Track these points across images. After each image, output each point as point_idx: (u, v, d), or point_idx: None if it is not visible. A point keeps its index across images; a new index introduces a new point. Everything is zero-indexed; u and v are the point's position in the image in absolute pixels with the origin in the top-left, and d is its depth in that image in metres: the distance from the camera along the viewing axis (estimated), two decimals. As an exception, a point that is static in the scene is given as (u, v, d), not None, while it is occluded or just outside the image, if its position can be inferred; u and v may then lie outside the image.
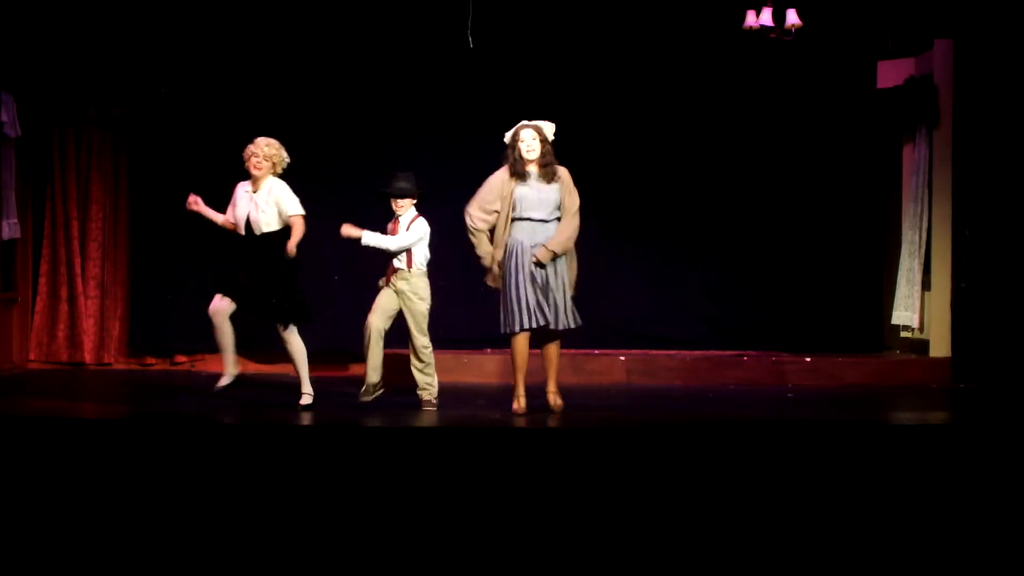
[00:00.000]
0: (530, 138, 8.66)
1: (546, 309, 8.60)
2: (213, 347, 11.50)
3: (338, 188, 10.90)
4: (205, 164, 11.38)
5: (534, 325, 8.59)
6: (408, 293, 8.82)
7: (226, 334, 8.81)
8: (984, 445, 7.51)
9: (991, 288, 10.82)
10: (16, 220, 11.05)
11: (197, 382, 10.63)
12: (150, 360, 11.64)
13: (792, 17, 9.98)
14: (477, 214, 8.68)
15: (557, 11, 11.43)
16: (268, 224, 8.75)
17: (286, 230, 8.74)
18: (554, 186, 8.67)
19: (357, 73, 11.53)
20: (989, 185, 10.84)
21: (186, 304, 11.47)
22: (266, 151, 8.81)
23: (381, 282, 8.87)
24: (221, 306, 8.76)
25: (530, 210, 8.63)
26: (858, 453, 7.43)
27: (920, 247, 11.25)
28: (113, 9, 11.23)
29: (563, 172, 8.76)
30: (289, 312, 8.78)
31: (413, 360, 8.91)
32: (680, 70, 11.74)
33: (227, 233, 9.00)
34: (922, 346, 11.31)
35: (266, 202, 8.76)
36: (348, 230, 8.81)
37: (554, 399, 8.79)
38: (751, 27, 10.04)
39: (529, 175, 8.67)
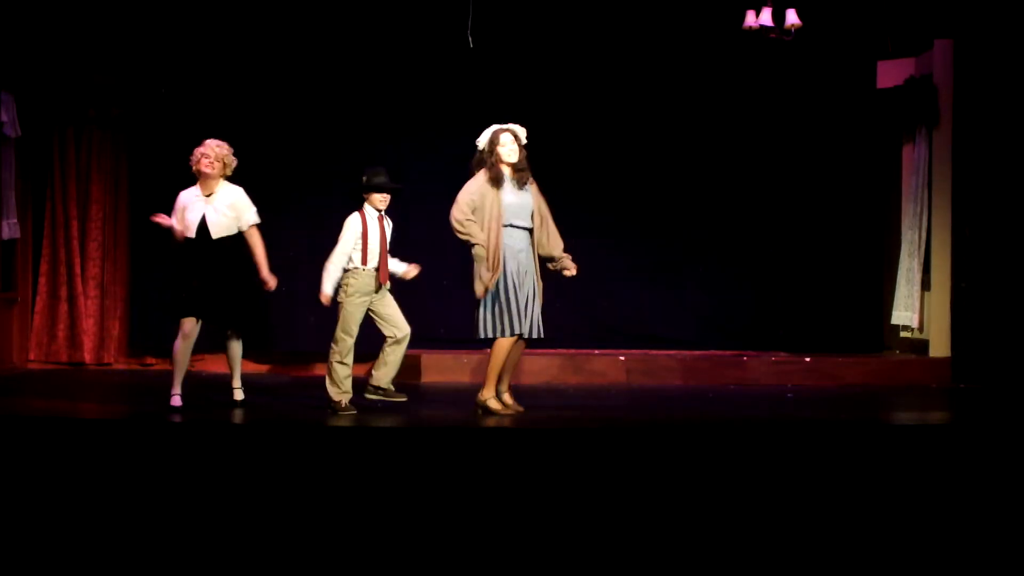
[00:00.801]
0: (510, 142, 8.58)
1: (528, 319, 8.54)
2: (212, 347, 11.52)
3: (337, 187, 10.88)
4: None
5: (524, 332, 8.52)
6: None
7: (188, 354, 8.78)
8: (984, 445, 7.51)
9: (991, 288, 10.82)
10: (16, 220, 11.05)
11: (196, 382, 10.63)
12: (150, 360, 11.65)
13: (792, 17, 9.99)
14: (461, 215, 8.50)
15: (558, 10, 11.43)
16: (226, 229, 8.72)
17: (240, 236, 8.74)
18: (527, 192, 8.62)
19: (357, 74, 11.53)
20: (989, 185, 10.85)
21: (186, 304, 11.49)
22: (217, 151, 8.77)
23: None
24: (196, 329, 8.72)
25: (514, 217, 8.55)
26: (858, 453, 7.43)
27: (920, 247, 11.25)
28: (113, 9, 11.23)
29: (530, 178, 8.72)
30: (246, 318, 8.80)
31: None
32: (680, 70, 11.75)
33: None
34: (922, 346, 11.31)
35: (225, 207, 8.72)
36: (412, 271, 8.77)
37: (510, 399, 8.75)
38: (751, 27, 10.04)
39: (504, 180, 8.58)
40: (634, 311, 11.81)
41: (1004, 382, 10.54)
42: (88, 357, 11.46)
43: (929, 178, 11.22)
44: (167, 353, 11.54)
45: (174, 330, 11.35)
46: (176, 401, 8.69)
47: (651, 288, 11.85)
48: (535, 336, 8.59)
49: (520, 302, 8.48)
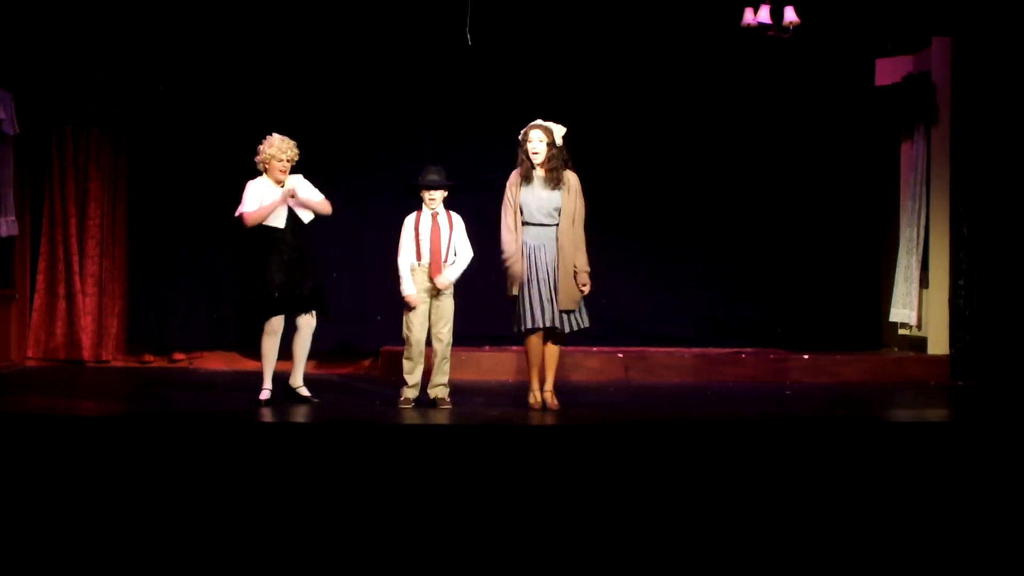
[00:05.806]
0: (537, 140, 8.63)
1: (554, 311, 8.58)
2: (211, 345, 11.62)
3: (336, 186, 10.87)
4: (204, 162, 11.39)
5: (546, 324, 8.59)
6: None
7: (277, 348, 8.84)
8: (983, 443, 7.51)
9: (989, 285, 10.82)
10: (14, 218, 11.04)
11: (195, 379, 10.64)
12: (148, 357, 11.65)
13: (790, 14, 9.97)
14: (507, 221, 8.65)
15: (557, 10, 11.42)
16: (308, 216, 8.89)
17: (312, 223, 8.92)
18: (557, 191, 8.63)
19: (357, 71, 11.53)
20: (987, 183, 10.84)
21: (184, 302, 11.49)
22: (288, 153, 8.84)
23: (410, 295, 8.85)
24: (282, 323, 8.81)
25: (530, 215, 8.62)
26: (857, 451, 7.43)
27: (918, 244, 11.26)
28: (112, 7, 11.23)
29: (571, 178, 8.70)
30: (323, 303, 8.94)
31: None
32: (679, 68, 11.74)
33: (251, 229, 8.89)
34: (920, 343, 11.32)
35: (302, 195, 8.88)
36: (442, 281, 8.76)
37: (551, 398, 8.77)
38: (749, 25, 10.02)
39: (535, 177, 8.64)
40: (633, 308, 11.81)
41: (1003, 379, 10.55)
42: (86, 354, 11.46)
43: (927, 175, 11.22)
44: (165, 350, 11.65)
45: (173, 327, 11.49)
46: (265, 395, 8.78)
47: (650, 285, 11.85)
48: (568, 330, 8.68)
49: (541, 297, 8.54)
